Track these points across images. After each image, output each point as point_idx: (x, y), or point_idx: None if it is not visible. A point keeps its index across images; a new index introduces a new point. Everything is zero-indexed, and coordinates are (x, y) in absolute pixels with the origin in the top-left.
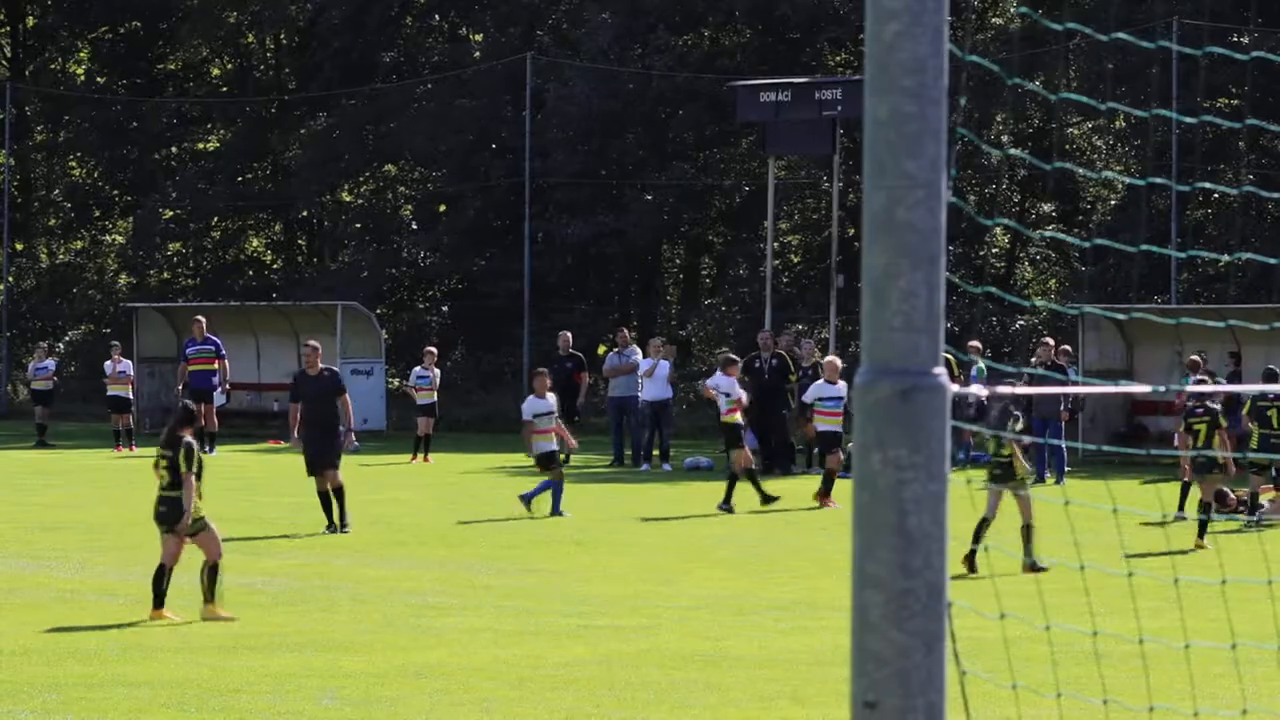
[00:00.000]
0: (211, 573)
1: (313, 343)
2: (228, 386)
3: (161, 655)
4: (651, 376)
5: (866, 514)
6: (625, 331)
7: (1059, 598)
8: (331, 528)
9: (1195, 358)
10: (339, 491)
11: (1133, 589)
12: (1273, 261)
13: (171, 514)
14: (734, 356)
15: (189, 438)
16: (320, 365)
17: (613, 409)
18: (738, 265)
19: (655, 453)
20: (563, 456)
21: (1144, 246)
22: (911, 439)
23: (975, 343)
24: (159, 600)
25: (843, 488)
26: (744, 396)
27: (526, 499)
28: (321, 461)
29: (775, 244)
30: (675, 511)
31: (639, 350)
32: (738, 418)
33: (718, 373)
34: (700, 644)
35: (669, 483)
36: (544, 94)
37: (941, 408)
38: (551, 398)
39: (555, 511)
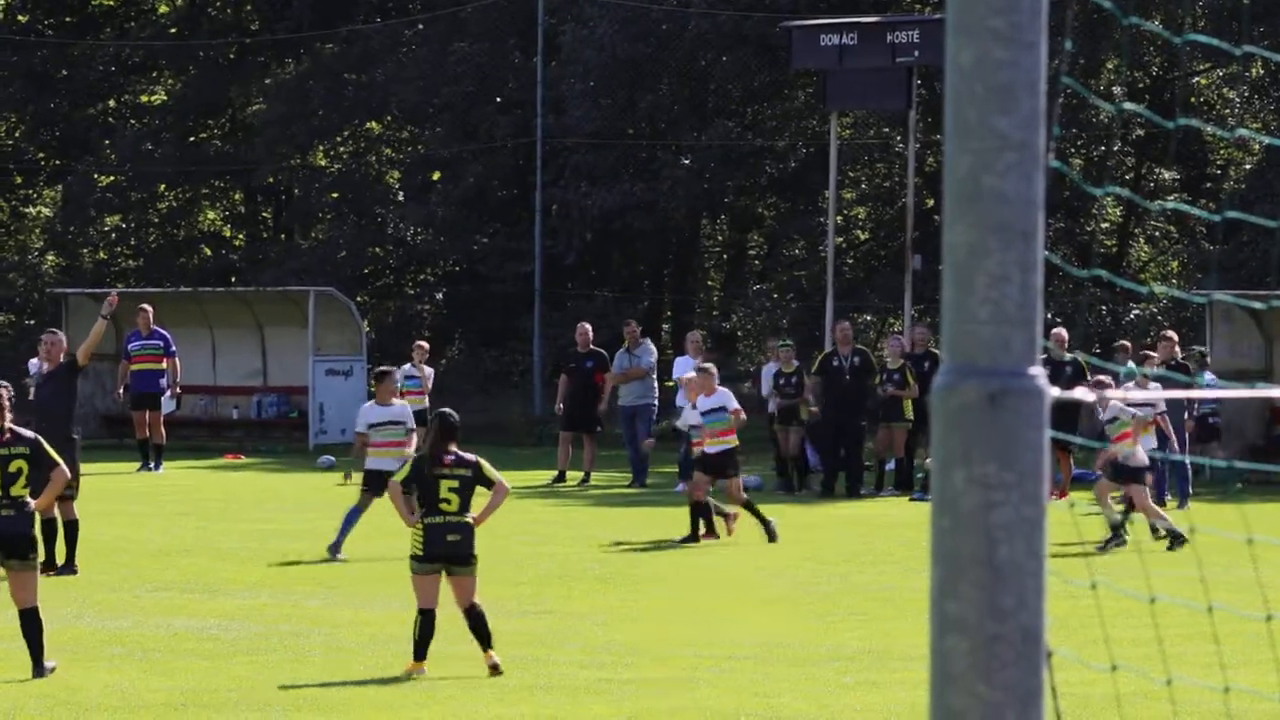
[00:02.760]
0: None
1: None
2: (178, 390)
3: (95, 715)
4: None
5: (948, 544)
6: (635, 326)
7: (1182, 645)
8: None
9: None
10: (72, 525)
11: (1272, 635)
12: None
13: (466, 546)
14: (709, 365)
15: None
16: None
17: (624, 420)
18: (793, 243)
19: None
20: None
21: None
22: (1002, 452)
23: (1060, 330)
24: (421, 652)
25: (916, 513)
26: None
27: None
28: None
29: (838, 218)
30: (716, 541)
31: (654, 349)
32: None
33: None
34: (746, 701)
35: None
36: (558, 36)
37: (1038, 415)
38: (400, 405)
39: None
